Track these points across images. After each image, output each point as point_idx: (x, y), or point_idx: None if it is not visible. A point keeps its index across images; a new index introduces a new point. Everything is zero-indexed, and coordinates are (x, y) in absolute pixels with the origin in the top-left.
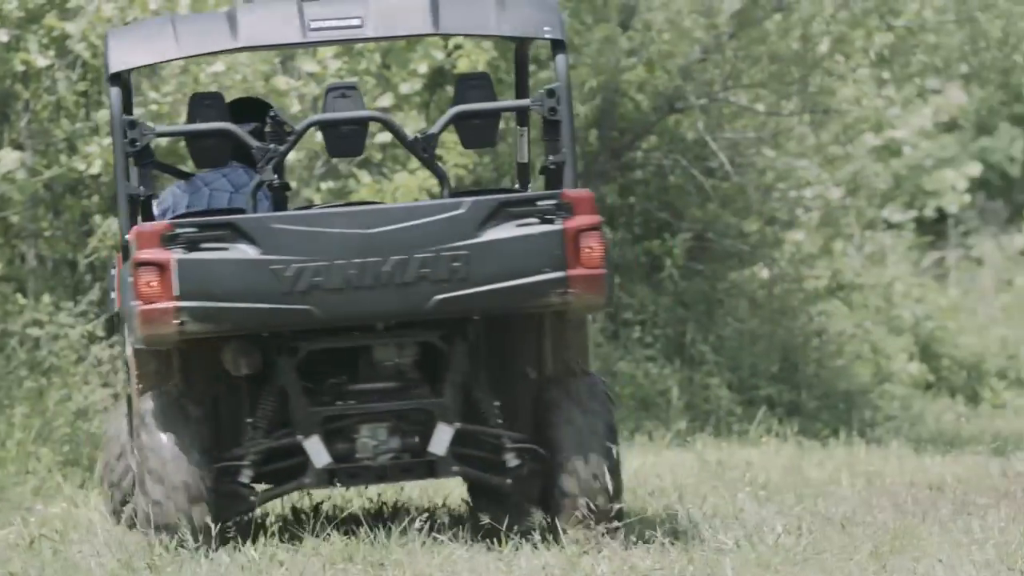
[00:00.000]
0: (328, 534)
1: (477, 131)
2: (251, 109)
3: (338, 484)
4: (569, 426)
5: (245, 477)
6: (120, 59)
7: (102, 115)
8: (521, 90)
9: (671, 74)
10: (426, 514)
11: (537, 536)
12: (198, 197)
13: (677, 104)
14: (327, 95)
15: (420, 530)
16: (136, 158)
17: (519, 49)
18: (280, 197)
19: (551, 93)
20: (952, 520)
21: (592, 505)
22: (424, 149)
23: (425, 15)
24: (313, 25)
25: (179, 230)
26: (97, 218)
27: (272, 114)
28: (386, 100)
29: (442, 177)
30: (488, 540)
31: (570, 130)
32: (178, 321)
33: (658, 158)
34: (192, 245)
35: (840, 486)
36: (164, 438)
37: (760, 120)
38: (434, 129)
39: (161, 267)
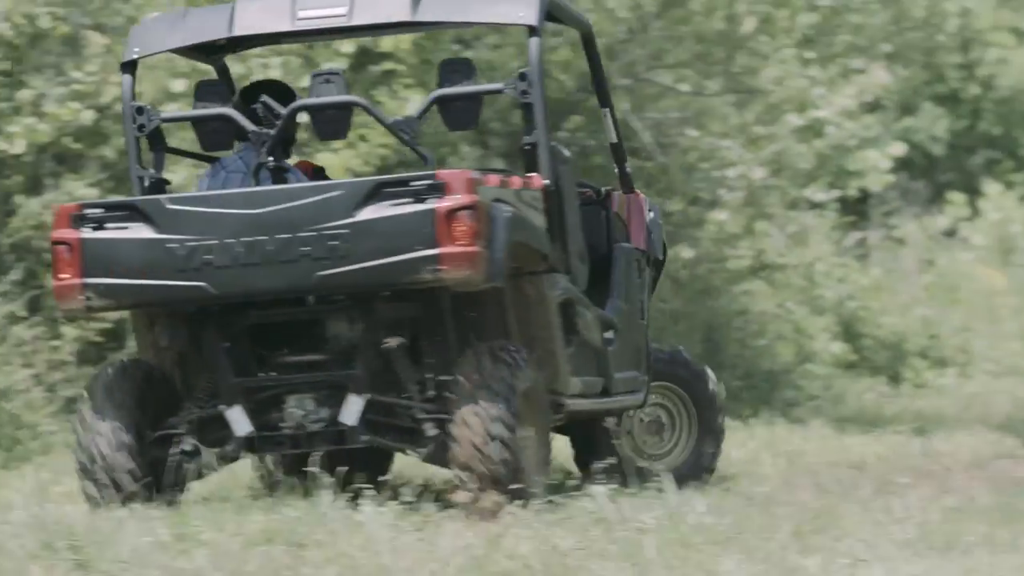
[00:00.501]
0: (250, 513)
1: (458, 114)
2: (269, 92)
3: (258, 452)
4: (467, 396)
5: (188, 446)
6: (132, 48)
7: (23, 95)
8: (594, 75)
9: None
10: (352, 493)
11: (460, 514)
12: (217, 180)
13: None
14: (313, 80)
15: (346, 508)
16: (149, 143)
17: (584, 37)
18: (279, 178)
19: (523, 77)
20: (873, 499)
21: (481, 475)
22: (405, 132)
23: (406, 4)
24: (301, 15)
25: (87, 211)
26: (19, 198)
27: (263, 99)
28: (306, 80)
29: (425, 158)
30: (411, 519)
31: (543, 113)
32: (84, 297)
33: (582, 138)
34: (98, 225)
35: (762, 466)
36: (100, 409)
37: (684, 100)
38: (415, 112)
39: (70, 246)
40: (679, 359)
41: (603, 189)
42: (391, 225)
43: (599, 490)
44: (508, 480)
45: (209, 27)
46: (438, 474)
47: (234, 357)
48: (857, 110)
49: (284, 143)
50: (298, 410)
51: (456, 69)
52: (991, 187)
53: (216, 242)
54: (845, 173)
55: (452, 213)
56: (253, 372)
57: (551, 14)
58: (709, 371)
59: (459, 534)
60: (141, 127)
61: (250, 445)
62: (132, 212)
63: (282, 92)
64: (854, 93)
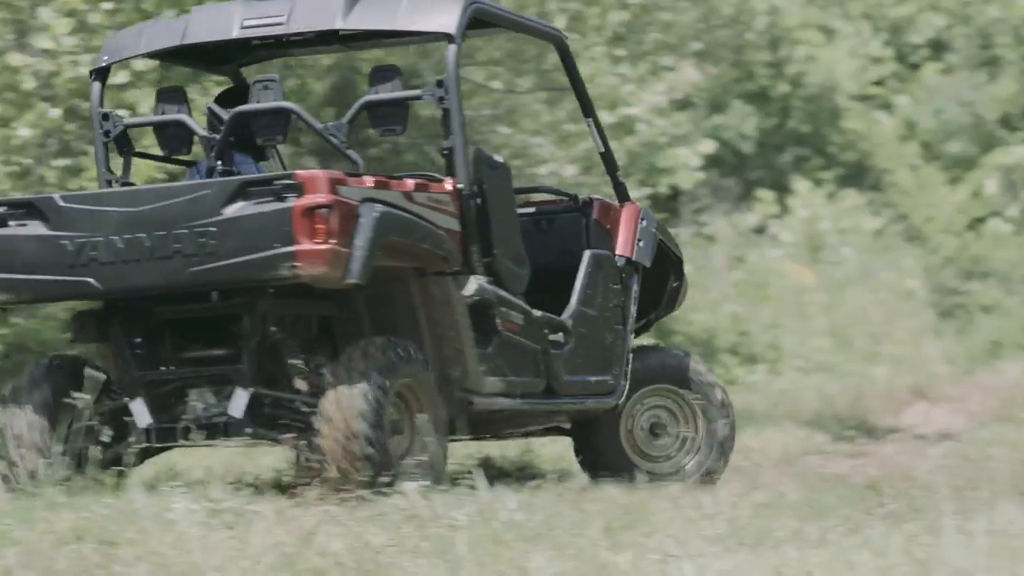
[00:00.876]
0: (60, 511)
1: (385, 119)
2: (239, 100)
3: (157, 444)
4: (333, 392)
5: (105, 437)
6: (102, 57)
7: None
8: (572, 85)
9: (407, 51)
10: (166, 490)
11: (272, 513)
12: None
13: (413, 82)
14: (253, 86)
15: (157, 506)
16: (117, 147)
17: (558, 48)
18: None
19: (440, 84)
20: (683, 495)
21: (343, 470)
22: (335, 136)
23: (339, 12)
24: (245, 23)
25: None
26: None
27: (208, 105)
28: (122, 77)
29: (355, 162)
30: (223, 516)
31: (459, 118)
32: None
33: (395, 135)
34: (2, 222)
35: (573, 462)
36: (21, 399)
37: (496, 97)
38: (345, 118)
39: None
40: (684, 363)
41: (584, 197)
42: (253, 223)
43: (411, 487)
44: (371, 473)
45: (166, 36)
46: (250, 470)
47: (139, 351)
48: (667, 108)
49: (246, 146)
50: (199, 403)
51: (384, 75)
52: (800, 184)
53: (101, 239)
54: (656, 170)
55: (308, 211)
56: (156, 366)
57: (483, 21)
58: (714, 375)
59: (270, 531)
60: (107, 132)
61: (149, 437)
62: (30, 209)
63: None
64: (664, 90)
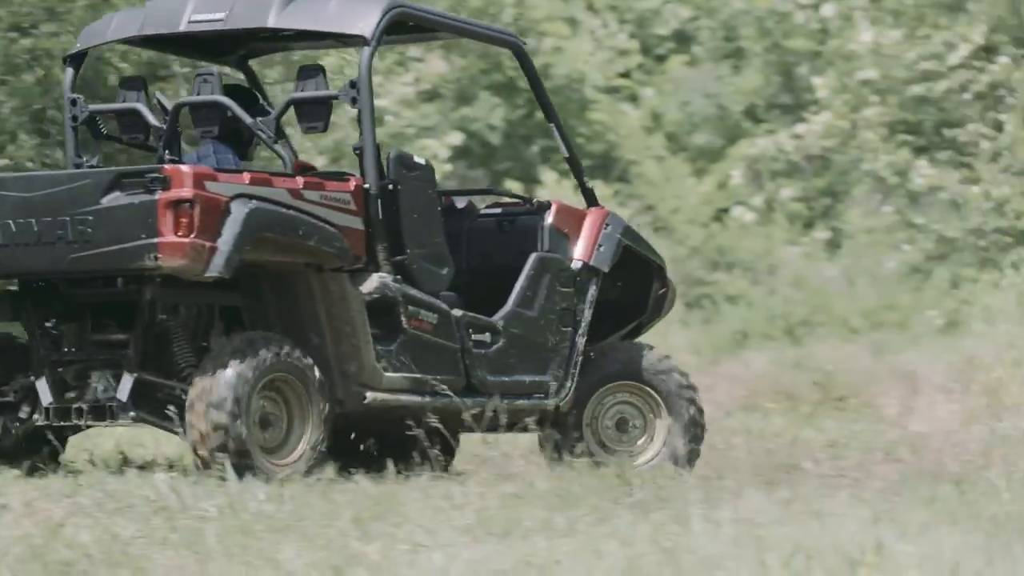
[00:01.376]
0: None
1: (309, 116)
2: (235, 94)
3: (54, 423)
4: (199, 382)
5: (22, 412)
6: (76, 44)
7: None
8: (533, 90)
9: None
10: None
11: (19, 504)
12: None
13: (160, 72)
14: (196, 79)
15: None
16: (89, 131)
17: (516, 54)
18: None
19: (353, 84)
20: (433, 485)
21: (203, 458)
22: (263, 131)
23: (272, 11)
24: (193, 18)
25: None
26: None
27: (156, 95)
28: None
29: (282, 157)
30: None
31: (370, 119)
32: None
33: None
34: None
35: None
36: None
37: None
38: (274, 114)
39: None
40: (639, 357)
41: (540, 201)
42: (124, 214)
43: (160, 478)
44: (231, 462)
45: (126, 26)
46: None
47: (49, 333)
48: (415, 99)
49: (229, 137)
50: (99, 386)
51: (309, 74)
52: (547, 176)
53: None
54: None
55: (171, 205)
56: (61, 348)
57: (418, 27)
58: (676, 366)
59: (17, 524)
60: (75, 117)
61: (48, 417)
62: None
63: (245, 94)
64: (412, 82)
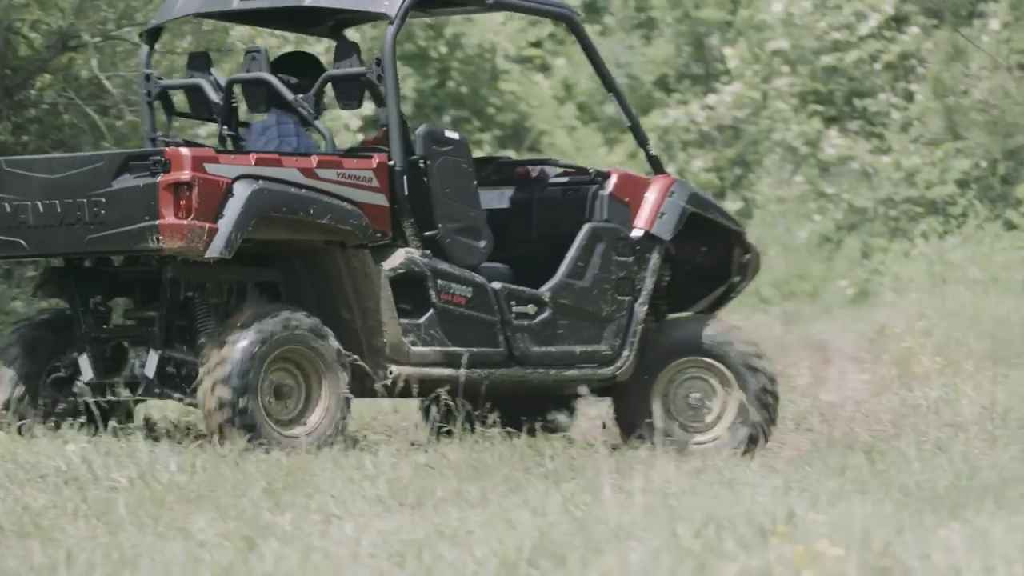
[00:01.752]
0: None
1: (343, 93)
2: (297, 63)
3: (95, 397)
4: (209, 358)
5: (76, 387)
6: (152, 21)
7: None
8: (591, 62)
9: (64, 12)
10: None
11: None
12: (258, 141)
13: (71, 42)
14: (245, 56)
15: None
16: (162, 106)
17: (570, 25)
18: (236, 145)
19: (378, 62)
20: (345, 456)
21: (212, 430)
22: (303, 108)
23: None
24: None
25: None
26: None
27: (210, 73)
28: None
29: (323, 133)
30: None
31: (395, 95)
32: None
33: (52, 96)
34: None
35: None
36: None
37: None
38: (312, 90)
39: None
40: (714, 331)
41: (600, 170)
42: (131, 196)
43: (71, 449)
44: (240, 434)
45: (177, 6)
46: None
47: (94, 310)
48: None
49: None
50: (137, 361)
51: (345, 52)
52: None
53: (29, 203)
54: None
55: (171, 188)
56: (102, 325)
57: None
58: (745, 341)
59: None
60: (149, 92)
61: (91, 392)
62: None
63: (308, 63)
64: (324, 52)
